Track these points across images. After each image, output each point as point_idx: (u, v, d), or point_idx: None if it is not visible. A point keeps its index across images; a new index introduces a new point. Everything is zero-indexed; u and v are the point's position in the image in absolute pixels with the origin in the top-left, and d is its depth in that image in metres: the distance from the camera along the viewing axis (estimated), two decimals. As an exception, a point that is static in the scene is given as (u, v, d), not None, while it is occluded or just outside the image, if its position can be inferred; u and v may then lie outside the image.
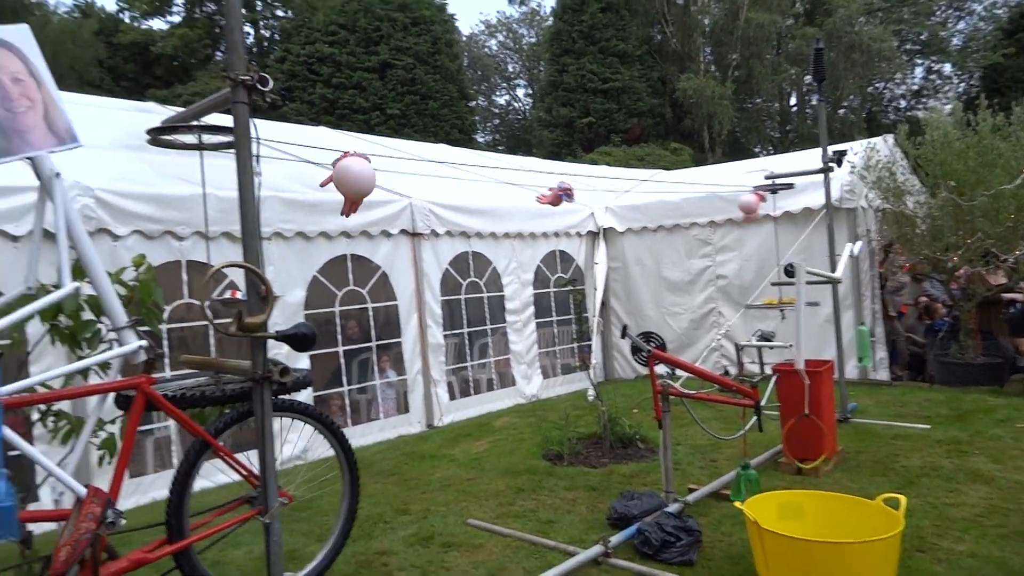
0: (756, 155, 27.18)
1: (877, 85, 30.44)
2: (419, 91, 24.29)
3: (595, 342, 8.50)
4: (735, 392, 4.23)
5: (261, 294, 2.32)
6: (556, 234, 8.59)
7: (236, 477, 2.82)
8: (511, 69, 39.37)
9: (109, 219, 5.06)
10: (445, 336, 7.30)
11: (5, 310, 2.37)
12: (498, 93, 39.64)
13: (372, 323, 6.71)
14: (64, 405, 2.91)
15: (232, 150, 3.04)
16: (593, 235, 9.09)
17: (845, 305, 7.31)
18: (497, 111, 39.61)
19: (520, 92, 39.64)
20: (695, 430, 5.45)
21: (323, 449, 3.43)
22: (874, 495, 3.24)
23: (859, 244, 5.97)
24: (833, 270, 5.82)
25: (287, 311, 5.86)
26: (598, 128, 25.46)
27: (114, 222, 5.11)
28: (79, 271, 2.86)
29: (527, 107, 38.46)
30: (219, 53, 27.86)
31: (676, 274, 8.80)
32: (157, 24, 27.79)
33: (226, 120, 3.32)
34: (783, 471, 4.79)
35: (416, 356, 6.97)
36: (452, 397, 7.37)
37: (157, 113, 9.10)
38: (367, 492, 4.60)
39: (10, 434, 2.14)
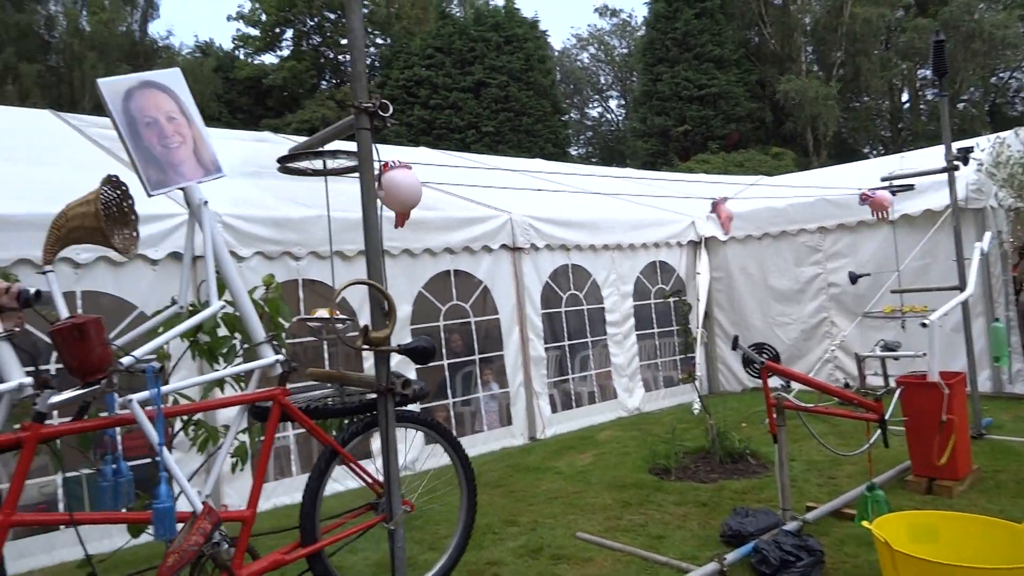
0: (865, 156, 25.76)
1: (1001, 75, 28.23)
2: (513, 108, 24.67)
3: (699, 354, 8.29)
4: (857, 406, 4.01)
5: (384, 310, 2.42)
6: (656, 245, 8.47)
7: (351, 485, 2.94)
8: (603, 81, 39.31)
9: (235, 242, 5.42)
10: (546, 349, 7.33)
11: (162, 327, 2.60)
12: (591, 106, 39.65)
13: (475, 337, 6.83)
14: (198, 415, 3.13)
15: (352, 174, 3.21)
16: (694, 245, 8.89)
17: (975, 312, 6.79)
18: (590, 123, 39.60)
19: (613, 103, 39.48)
20: (810, 445, 5.21)
21: (432, 459, 3.53)
22: (1021, 519, 2.98)
23: (987, 236, 5.53)
24: (961, 274, 5.42)
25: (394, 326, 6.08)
26: (694, 136, 24.96)
27: (239, 244, 5.47)
28: (221, 289, 3.10)
29: (620, 118, 38.24)
30: (323, 82, 29.37)
31: (784, 283, 8.46)
32: (268, 59, 29.67)
33: (344, 145, 3.52)
34: (911, 490, 4.49)
35: (518, 369, 7.03)
36: (554, 410, 7.38)
37: (271, 142, 9.70)
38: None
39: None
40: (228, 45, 30.45)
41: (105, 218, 2.30)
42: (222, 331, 3.13)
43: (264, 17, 29.01)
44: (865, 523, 3.02)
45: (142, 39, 25.85)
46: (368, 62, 30.43)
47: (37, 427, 2.02)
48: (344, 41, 29.35)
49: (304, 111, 25.58)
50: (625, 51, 37.44)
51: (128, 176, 5.70)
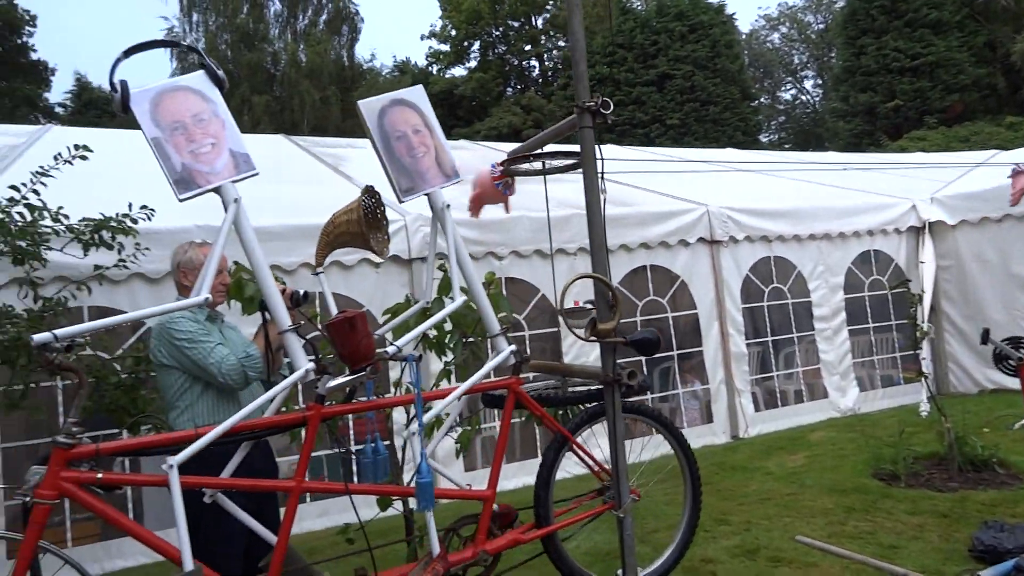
0: None
1: None
2: (699, 98, 23.87)
3: (926, 351, 7.49)
4: None
5: (609, 303, 2.51)
6: (870, 232, 7.79)
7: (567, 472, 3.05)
8: (797, 61, 36.76)
9: (441, 242, 5.83)
10: (748, 345, 7.04)
11: (411, 322, 2.90)
12: (783, 88, 37.25)
13: (673, 332, 6.74)
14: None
15: (567, 173, 3.34)
16: (916, 231, 8.05)
17: None
18: (782, 107, 37.23)
19: (808, 84, 36.78)
20: (1077, 456, 4.52)
21: (644, 452, 3.54)
22: None
23: None
24: None
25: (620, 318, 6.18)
26: (907, 111, 22.51)
27: (444, 244, 5.86)
28: (445, 287, 3.37)
29: (817, 99, 35.53)
30: (509, 89, 30.44)
31: (1031, 270, 7.39)
32: (458, 71, 31.35)
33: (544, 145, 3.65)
34: None
35: (718, 365, 6.83)
36: (757, 408, 7.07)
37: (468, 148, 10.26)
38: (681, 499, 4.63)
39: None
40: (422, 62, 32.57)
41: (365, 224, 2.61)
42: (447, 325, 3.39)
43: (453, 32, 30.69)
44: None
45: (349, 64, 28.49)
46: (551, 64, 31.10)
47: (319, 407, 2.35)
48: (528, 47, 30.23)
49: (492, 118, 26.69)
50: (821, 26, 34.71)
51: (344, 188, 6.28)
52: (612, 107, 2.47)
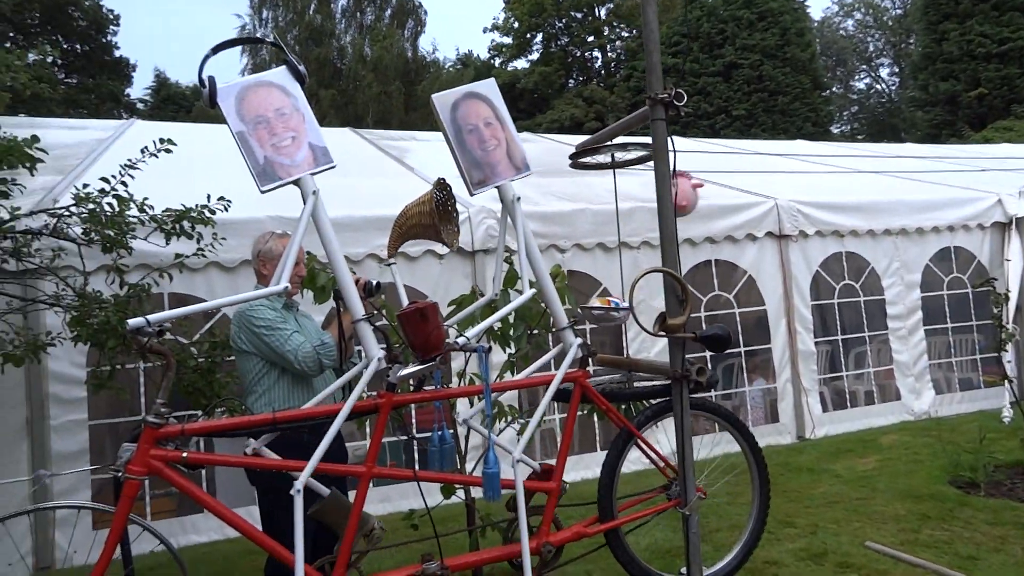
0: None
1: None
2: (767, 87, 23.21)
3: (1011, 354, 7.11)
4: None
5: (679, 297, 2.47)
6: (950, 228, 7.43)
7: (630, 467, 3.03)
8: (872, 49, 35.31)
9: (509, 237, 5.85)
10: (816, 343, 6.83)
11: (477, 314, 2.94)
12: (857, 77, 35.85)
13: (739, 328, 6.60)
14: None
15: (636, 166, 3.31)
16: (1001, 227, 7.63)
17: None
18: (856, 97, 35.84)
19: (884, 72, 35.28)
20: None
21: (703, 450, 3.49)
22: None
23: None
24: None
25: (655, 316, 6.11)
26: (992, 100, 21.34)
27: (511, 240, 5.89)
28: (510, 280, 3.39)
29: (893, 88, 34.06)
30: (571, 82, 30.25)
31: None
32: (520, 64, 31.35)
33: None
34: None
35: (785, 363, 6.65)
36: (825, 408, 6.86)
37: (531, 141, 10.26)
38: (745, 500, 4.54)
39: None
40: (485, 55, 32.70)
41: (436, 216, 2.65)
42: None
43: (516, 25, 30.67)
44: None
45: (413, 57, 28.81)
46: (613, 55, 30.75)
47: (390, 395, 2.41)
48: (591, 38, 29.95)
49: (553, 111, 26.60)
50: (899, 12, 33.22)
51: (408, 180, 6.35)
52: (685, 99, 2.43)
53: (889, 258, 7.17)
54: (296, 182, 2.47)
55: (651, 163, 2.82)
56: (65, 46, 24.26)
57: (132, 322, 2.12)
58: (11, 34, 21.96)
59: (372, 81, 25.57)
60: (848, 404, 7.05)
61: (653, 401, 3.09)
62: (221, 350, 4.13)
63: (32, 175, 4.08)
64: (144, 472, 2.19)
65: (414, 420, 5.48)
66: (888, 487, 4.82)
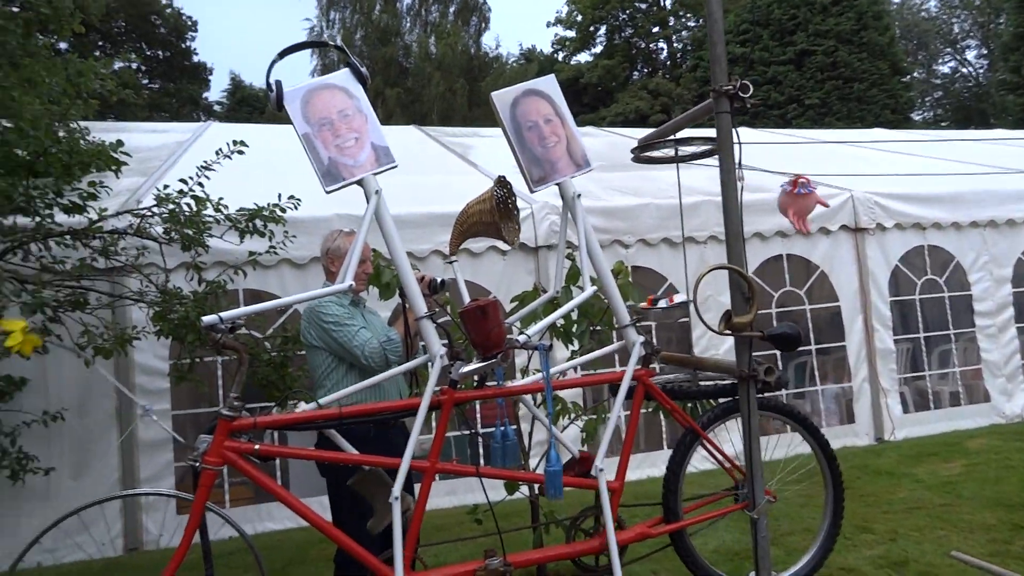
0: None
1: None
2: (842, 74, 22.26)
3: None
4: None
5: (745, 295, 2.40)
6: (1045, 219, 6.97)
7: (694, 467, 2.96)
8: (957, 30, 33.41)
9: (570, 233, 5.82)
10: (895, 341, 6.53)
11: (539, 311, 2.93)
12: (940, 61, 34.01)
13: (810, 325, 6.37)
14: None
15: (701, 159, 3.23)
16: (1103, 217, 7.11)
17: None
18: (939, 82, 34.01)
19: (970, 55, 33.33)
20: None
21: (778, 451, 3.38)
22: None
23: None
24: None
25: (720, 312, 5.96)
26: (1093, 81, 19.90)
27: (572, 235, 5.85)
28: (572, 276, 3.36)
29: (981, 71, 32.16)
30: (635, 74, 29.82)
31: None
32: (583, 57, 31.08)
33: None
34: None
35: (862, 362, 6.38)
36: (906, 409, 6.55)
37: (593, 135, 10.17)
38: (819, 503, 4.38)
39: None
40: (548, 49, 32.56)
41: (497, 214, 2.65)
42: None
43: (579, 18, 30.42)
44: None
45: (476, 53, 28.98)
46: (679, 46, 30.14)
47: (452, 392, 2.43)
48: (656, 29, 29.44)
49: (618, 104, 26.28)
50: (988, -10, 31.29)
51: (471, 176, 6.36)
52: (751, 90, 2.34)
53: (976, 252, 6.78)
54: (359, 182, 2.52)
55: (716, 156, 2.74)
56: (148, 53, 25.49)
57: (206, 319, 2.21)
58: (100, 43, 23.23)
59: (438, 79, 25.85)
60: (931, 405, 6.71)
61: (720, 400, 3.02)
62: (292, 344, 4.26)
63: (117, 177, 4.30)
64: (219, 463, 2.27)
65: (479, 416, 5.53)
66: (975, 494, 4.56)
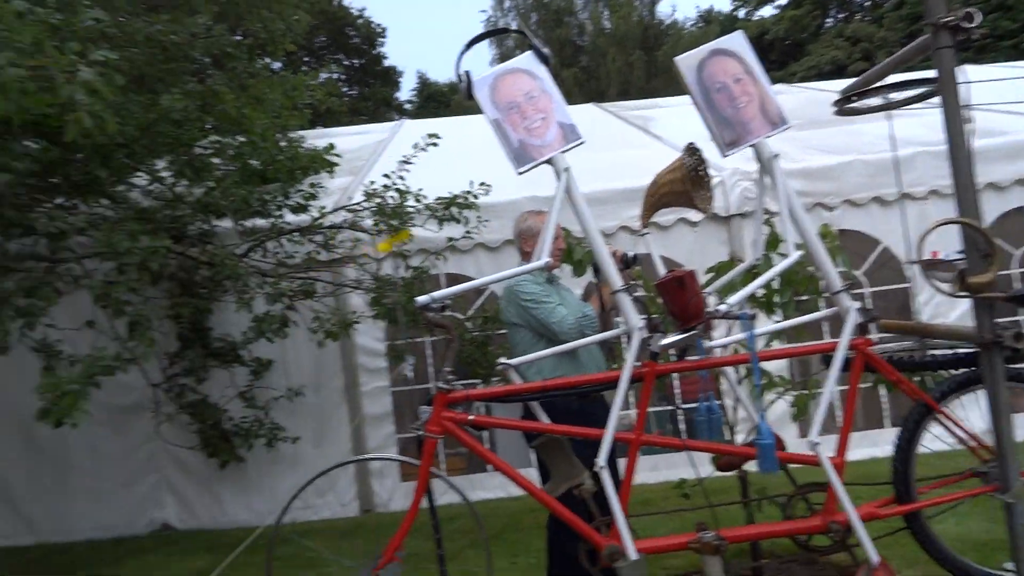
0: None
1: None
2: (1096, -12, 18.66)
3: None
4: None
5: (983, 251, 2.12)
6: None
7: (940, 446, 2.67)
8: None
9: (768, 198, 5.48)
10: None
11: (738, 281, 2.83)
12: None
13: (1065, 286, 5.48)
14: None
15: (911, 106, 2.90)
16: None
17: None
18: None
19: None
20: None
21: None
22: None
23: None
24: None
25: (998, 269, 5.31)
26: None
27: (770, 200, 5.51)
28: (772, 243, 3.18)
29: None
30: (827, 21, 27.24)
31: None
32: (767, 11, 28.96)
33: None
34: None
35: None
36: None
37: (785, 93, 9.46)
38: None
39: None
40: (727, 8, 30.76)
41: (689, 182, 2.59)
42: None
43: (762, -32, 28.36)
44: None
45: (651, 22, 28.13)
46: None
47: (653, 364, 2.42)
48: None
49: (810, 57, 24.21)
50: None
51: (653, 148, 6.15)
52: (976, 20, 2.04)
53: None
54: (549, 161, 2.57)
55: (935, 100, 2.43)
56: (346, 62, 27.84)
57: (420, 299, 2.39)
58: (305, 59, 25.77)
59: (613, 54, 25.49)
60: None
61: (953, 372, 2.69)
62: (492, 324, 4.50)
63: (331, 178, 4.80)
64: (440, 431, 2.47)
65: (678, 390, 5.45)
66: None
